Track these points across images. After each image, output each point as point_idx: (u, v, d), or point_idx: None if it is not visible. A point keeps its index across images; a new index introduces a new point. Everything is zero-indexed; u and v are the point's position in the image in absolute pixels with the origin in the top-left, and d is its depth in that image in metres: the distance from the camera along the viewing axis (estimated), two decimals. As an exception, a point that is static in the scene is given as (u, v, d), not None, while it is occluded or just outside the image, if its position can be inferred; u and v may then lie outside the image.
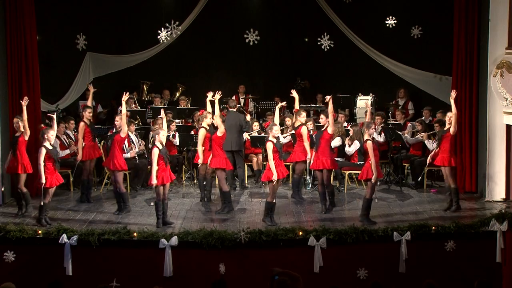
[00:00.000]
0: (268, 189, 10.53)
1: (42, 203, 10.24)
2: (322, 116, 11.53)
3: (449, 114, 11.19)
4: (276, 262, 9.15)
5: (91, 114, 12.21)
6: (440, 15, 14.89)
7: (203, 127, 11.58)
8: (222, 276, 9.24)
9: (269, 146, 10.32)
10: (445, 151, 11.01)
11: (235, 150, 12.62)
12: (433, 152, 11.43)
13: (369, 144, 10.35)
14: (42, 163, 10.20)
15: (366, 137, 10.50)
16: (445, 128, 11.20)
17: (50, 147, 10.35)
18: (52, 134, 10.44)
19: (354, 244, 9.58)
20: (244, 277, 9.44)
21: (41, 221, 10.21)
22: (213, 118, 11.45)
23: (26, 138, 10.92)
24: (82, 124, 11.94)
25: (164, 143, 10.48)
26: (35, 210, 10.83)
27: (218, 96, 11.50)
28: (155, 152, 10.24)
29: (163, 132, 10.55)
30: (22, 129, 10.93)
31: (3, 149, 11.58)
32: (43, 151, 10.24)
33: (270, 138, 10.40)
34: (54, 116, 10.97)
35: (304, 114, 12.15)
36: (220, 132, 11.24)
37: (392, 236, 9.64)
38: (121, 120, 11.17)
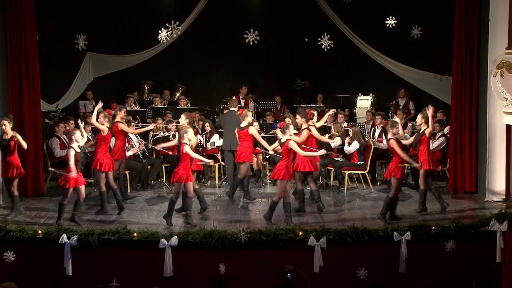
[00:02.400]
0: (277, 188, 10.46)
1: (63, 203, 10.26)
2: (297, 116, 11.54)
3: (419, 116, 11.29)
4: (276, 262, 9.17)
5: (125, 114, 12.14)
6: (440, 15, 14.90)
7: (248, 125, 11.75)
8: (222, 276, 9.23)
9: (293, 144, 10.29)
10: (423, 154, 11.03)
11: (235, 149, 12.60)
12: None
13: (393, 143, 10.32)
14: (73, 164, 10.17)
15: (389, 136, 10.46)
16: (420, 131, 11.18)
17: (78, 149, 10.27)
18: (79, 135, 10.36)
19: (354, 244, 9.58)
20: (244, 277, 9.44)
21: (74, 218, 10.25)
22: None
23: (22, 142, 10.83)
24: (120, 124, 11.75)
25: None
26: (27, 211, 10.96)
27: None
28: (188, 149, 10.19)
29: (191, 130, 10.54)
30: (8, 132, 10.75)
31: (3, 149, 11.57)
32: (72, 153, 10.17)
33: (289, 137, 10.34)
34: (81, 125, 10.79)
35: (315, 116, 12.22)
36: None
37: (392, 236, 9.63)
38: (95, 124, 11.14)
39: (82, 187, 10.31)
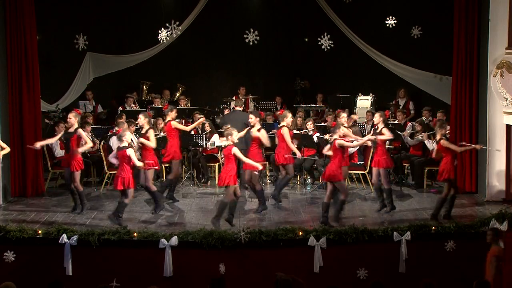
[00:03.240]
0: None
1: (124, 202, 10.20)
2: (251, 116, 11.52)
3: (376, 115, 11.31)
4: (276, 262, 9.17)
5: (176, 114, 12.08)
6: (440, 15, 14.92)
7: (283, 126, 11.61)
8: (222, 276, 9.23)
9: (341, 142, 10.29)
10: (380, 154, 11.01)
11: (241, 149, 12.55)
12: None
13: (445, 142, 10.36)
14: (138, 162, 10.22)
15: (438, 137, 10.47)
16: (377, 131, 11.15)
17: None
18: (129, 136, 10.27)
19: (354, 244, 9.58)
20: (244, 277, 9.44)
21: (118, 219, 10.16)
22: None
23: None
24: (174, 122, 11.69)
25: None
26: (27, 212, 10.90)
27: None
28: (236, 150, 10.10)
29: (236, 132, 10.40)
30: None
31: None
32: (132, 152, 10.12)
33: (337, 136, 10.34)
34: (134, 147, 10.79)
35: (344, 115, 12.20)
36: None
37: (392, 236, 9.64)
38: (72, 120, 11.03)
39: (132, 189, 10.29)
